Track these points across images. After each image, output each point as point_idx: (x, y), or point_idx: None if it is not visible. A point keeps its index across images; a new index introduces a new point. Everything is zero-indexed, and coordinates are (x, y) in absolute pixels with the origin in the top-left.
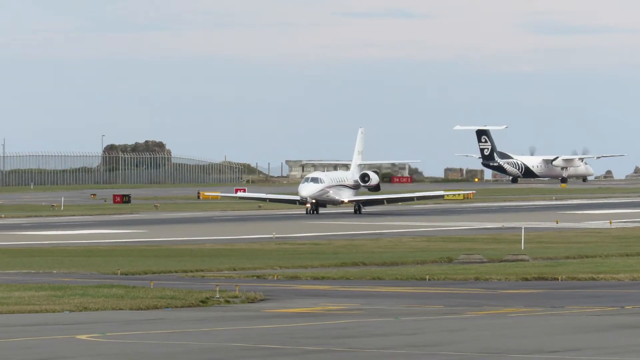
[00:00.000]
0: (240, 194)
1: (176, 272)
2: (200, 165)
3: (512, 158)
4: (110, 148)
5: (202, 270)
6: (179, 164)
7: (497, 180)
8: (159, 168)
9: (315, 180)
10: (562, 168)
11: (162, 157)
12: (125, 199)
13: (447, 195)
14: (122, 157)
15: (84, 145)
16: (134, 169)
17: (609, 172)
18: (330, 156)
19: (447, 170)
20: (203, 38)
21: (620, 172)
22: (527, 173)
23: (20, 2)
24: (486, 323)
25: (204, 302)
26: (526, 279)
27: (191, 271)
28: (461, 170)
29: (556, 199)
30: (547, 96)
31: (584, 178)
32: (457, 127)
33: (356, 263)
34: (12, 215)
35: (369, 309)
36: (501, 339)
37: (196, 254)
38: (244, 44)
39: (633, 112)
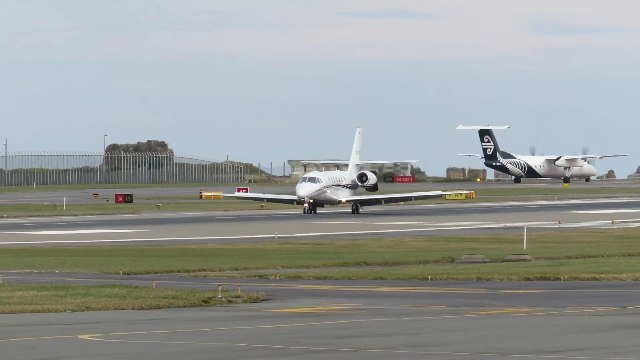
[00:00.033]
0: (237, 194)
1: (178, 271)
2: (203, 165)
3: (514, 158)
4: (113, 148)
5: (204, 270)
6: (181, 163)
7: (499, 180)
8: (161, 168)
9: (312, 180)
10: (565, 168)
11: (164, 156)
12: (127, 199)
13: (447, 195)
14: (124, 156)
15: (87, 145)
16: (136, 169)
17: (611, 172)
18: (333, 156)
19: (449, 170)
20: (205, 38)
21: (623, 172)
22: (530, 173)
23: (22, 2)
24: (488, 323)
25: (206, 302)
26: (528, 279)
27: (193, 271)
28: (463, 170)
29: (558, 199)
30: (549, 96)
31: (586, 178)
32: (460, 127)
33: (358, 263)
34: (15, 215)
35: (371, 308)
36: (503, 339)
37: (198, 254)
38: (246, 44)
39: (635, 112)
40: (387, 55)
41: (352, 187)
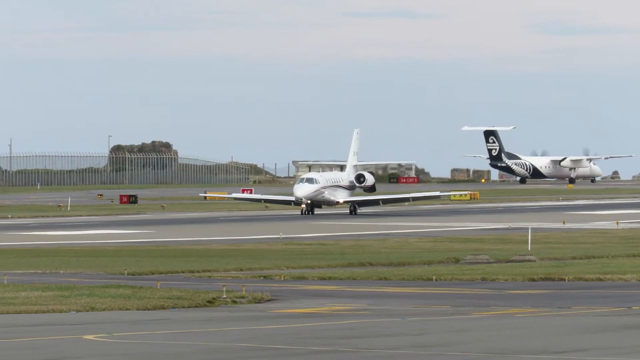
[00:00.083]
0: (234, 194)
1: (183, 272)
2: (207, 166)
3: (520, 159)
4: (117, 148)
5: (209, 271)
6: (185, 164)
7: (503, 181)
8: (166, 168)
9: (310, 180)
10: (570, 169)
11: (168, 157)
12: (132, 200)
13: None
14: (128, 157)
15: (91, 146)
16: (140, 170)
17: (615, 172)
18: (337, 156)
19: (453, 170)
20: (209, 38)
21: (627, 172)
22: (535, 174)
23: (25, 2)
24: (493, 323)
25: (210, 303)
26: (533, 280)
27: (198, 271)
28: (468, 170)
29: (563, 200)
30: (553, 97)
31: (592, 179)
32: (465, 128)
33: (363, 263)
34: (19, 216)
35: (376, 309)
36: (508, 340)
37: (203, 254)
38: (251, 44)
39: None
40: (390, 55)
41: (350, 188)
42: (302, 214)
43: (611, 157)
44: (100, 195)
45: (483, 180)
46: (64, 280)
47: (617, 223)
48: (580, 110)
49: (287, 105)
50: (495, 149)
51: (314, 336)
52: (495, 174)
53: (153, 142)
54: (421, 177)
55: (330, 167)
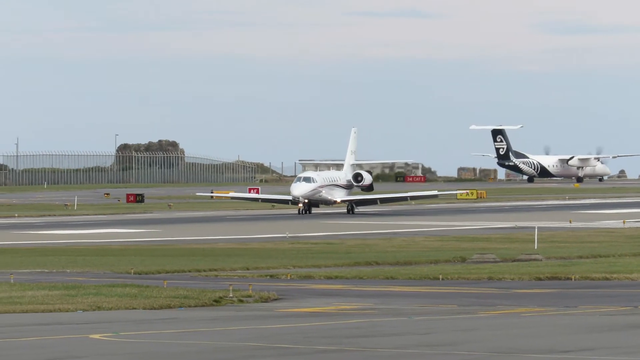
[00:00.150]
0: (232, 194)
1: (189, 271)
2: (214, 165)
3: (527, 157)
4: (124, 147)
5: (215, 270)
6: (192, 163)
7: (510, 180)
8: (173, 167)
9: (307, 179)
10: (578, 167)
11: (175, 156)
12: (138, 198)
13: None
14: (135, 156)
15: (98, 145)
16: (147, 168)
17: (622, 171)
18: (343, 156)
19: (460, 169)
20: (217, 37)
21: (634, 171)
22: (543, 172)
23: (25, 2)
24: (499, 323)
25: (217, 302)
26: (539, 279)
27: (204, 270)
28: (474, 169)
29: (569, 199)
30: (559, 96)
31: (600, 178)
32: (473, 127)
33: (369, 262)
34: (26, 215)
35: (382, 308)
36: (514, 339)
37: (209, 254)
38: (258, 44)
39: None
40: (398, 55)
41: (348, 187)
42: (299, 213)
43: (619, 155)
44: (106, 194)
45: (490, 180)
46: (71, 279)
47: (624, 222)
48: (587, 110)
49: (292, 105)
50: (503, 148)
51: (321, 335)
52: (501, 173)
53: (160, 141)
54: (428, 176)
55: (338, 167)
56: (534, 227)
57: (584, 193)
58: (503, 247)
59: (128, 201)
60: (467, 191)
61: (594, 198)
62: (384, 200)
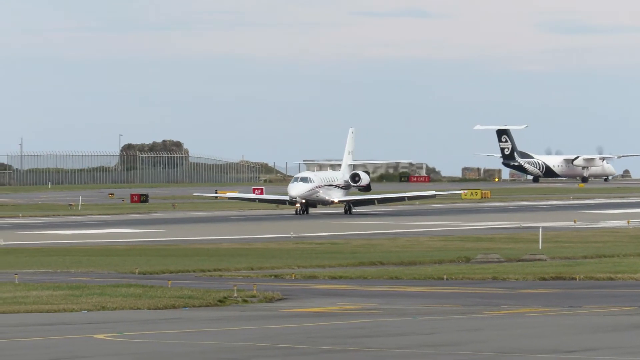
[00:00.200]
0: (229, 194)
1: (194, 271)
2: (218, 165)
3: (532, 157)
4: (128, 147)
5: (219, 270)
6: (196, 163)
7: (514, 180)
8: (177, 167)
9: (304, 179)
10: (583, 167)
11: (179, 156)
12: (142, 199)
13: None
14: (139, 156)
15: (102, 145)
16: (151, 169)
17: (626, 171)
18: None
19: (464, 169)
20: (220, 37)
21: (638, 171)
22: (548, 172)
23: (26, 2)
24: (504, 323)
25: (221, 302)
26: (544, 279)
27: (209, 270)
28: (479, 169)
29: (574, 199)
30: (563, 96)
31: (605, 177)
32: (478, 127)
33: (374, 262)
34: (30, 215)
35: (387, 308)
36: (518, 339)
37: (214, 254)
38: (262, 44)
39: None
40: (402, 55)
41: (345, 187)
42: (296, 213)
43: (624, 155)
44: (111, 194)
45: (495, 179)
46: (75, 279)
47: (628, 222)
48: (587, 110)
49: (292, 105)
50: (508, 148)
51: (325, 335)
52: (506, 173)
53: (164, 141)
54: (432, 176)
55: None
56: (538, 227)
57: (589, 193)
58: (507, 247)
59: (132, 201)
60: (465, 191)
61: (599, 198)
62: (381, 201)
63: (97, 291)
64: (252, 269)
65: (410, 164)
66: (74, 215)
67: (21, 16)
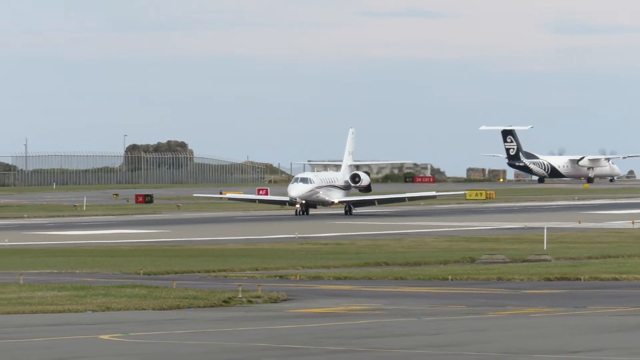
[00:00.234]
0: (229, 195)
1: (199, 272)
2: (223, 166)
3: (537, 158)
4: (133, 148)
5: (224, 270)
6: (201, 164)
7: (519, 180)
8: (181, 168)
9: (304, 180)
10: (589, 168)
11: (184, 157)
12: (147, 199)
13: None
14: (144, 157)
15: (106, 145)
16: (156, 169)
17: (631, 172)
18: (354, 157)
19: (469, 170)
20: (220, 37)
21: None
22: (553, 173)
23: (30, 1)
24: (509, 323)
25: (226, 302)
26: (549, 279)
27: (214, 271)
28: (483, 170)
29: (579, 199)
30: (560, 96)
31: (611, 178)
32: (483, 127)
33: (379, 263)
34: (35, 215)
35: (392, 309)
36: (523, 339)
37: (218, 254)
38: (262, 44)
39: None
40: (406, 55)
41: (345, 188)
42: (296, 214)
43: (629, 156)
44: (115, 194)
45: (500, 180)
46: (80, 280)
47: (633, 222)
48: (587, 110)
49: (297, 105)
50: (513, 149)
51: (330, 336)
52: (510, 174)
53: (168, 141)
54: (437, 176)
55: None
56: (543, 228)
57: (594, 194)
58: (512, 248)
59: (137, 202)
60: (467, 191)
61: (603, 198)
62: (381, 202)
63: (101, 292)
64: (257, 270)
65: (415, 164)
66: (78, 215)
67: (21, 16)
